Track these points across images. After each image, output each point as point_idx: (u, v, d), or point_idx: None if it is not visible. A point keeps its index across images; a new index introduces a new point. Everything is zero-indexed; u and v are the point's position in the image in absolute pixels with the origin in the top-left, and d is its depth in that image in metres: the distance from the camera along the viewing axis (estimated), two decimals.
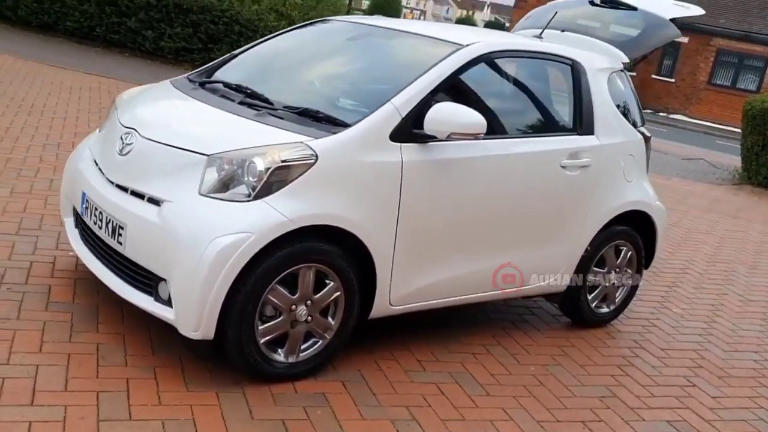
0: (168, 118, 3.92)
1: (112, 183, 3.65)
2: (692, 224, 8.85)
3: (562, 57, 4.48)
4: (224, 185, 3.34)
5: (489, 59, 4.13)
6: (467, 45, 4.01)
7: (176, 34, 14.18)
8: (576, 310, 4.80)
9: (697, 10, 5.56)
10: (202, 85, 4.22)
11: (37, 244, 4.45)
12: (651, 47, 5.27)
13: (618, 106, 4.71)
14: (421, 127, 3.65)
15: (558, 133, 4.40)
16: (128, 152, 3.63)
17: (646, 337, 4.94)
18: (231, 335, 3.32)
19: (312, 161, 3.39)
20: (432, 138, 3.66)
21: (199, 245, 3.21)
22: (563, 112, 4.50)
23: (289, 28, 4.94)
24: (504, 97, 4.33)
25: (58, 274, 4.14)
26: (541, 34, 5.10)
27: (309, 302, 3.50)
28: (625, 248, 4.83)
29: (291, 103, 3.84)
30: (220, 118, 3.74)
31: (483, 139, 3.90)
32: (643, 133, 4.87)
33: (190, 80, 4.35)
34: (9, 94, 8.41)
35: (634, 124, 4.84)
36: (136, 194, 3.52)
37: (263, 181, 3.31)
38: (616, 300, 4.95)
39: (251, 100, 3.89)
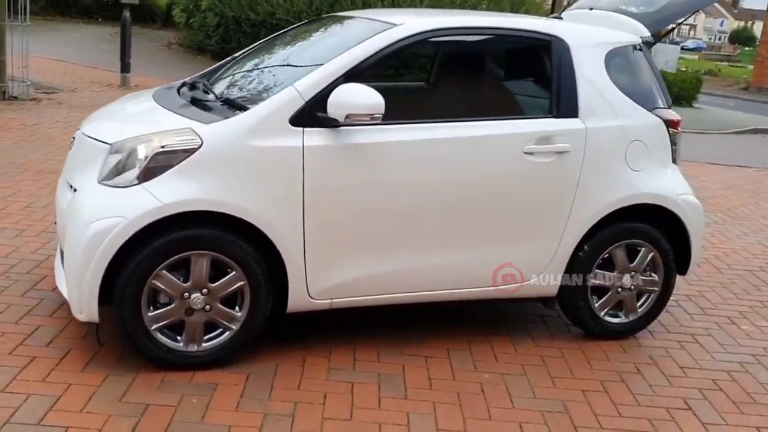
0: (111, 116, 4.10)
1: (70, 185, 3.85)
2: None
3: (538, 33, 4.02)
4: (117, 172, 3.43)
5: (428, 39, 3.84)
6: (397, 25, 3.76)
7: None
8: (576, 318, 4.25)
9: None
10: (181, 87, 4.33)
11: None
12: (681, 16, 4.58)
13: (625, 86, 4.12)
14: (326, 110, 3.48)
15: (521, 116, 3.94)
16: (71, 148, 3.87)
17: (671, 353, 4.23)
18: (118, 319, 3.39)
19: (196, 146, 3.37)
20: (334, 121, 3.47)
21: (79, 230, 3.34)
22: (534, 93, 4.04)
23: (289, 28, 4.94)
24: (448, 79, 3.98)
25: None
26: (560, 13, 4.64)
27: (205, 291, 3.46)
28: (643, 249, 4.19)
29: (232, 96, 3.86)
30: (152, 114, 3.85)
31: (408, 123, 3.65)
32: (662, 117, 4.20)
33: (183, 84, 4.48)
34: None
35: (651, 106, 4.20)
36: (72, 188, 3.72)
37: (144, 167, 3.36)
38: (638, 309, 4.30)
39: (200, 97, 3.95)
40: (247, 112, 3.51)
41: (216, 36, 15.73)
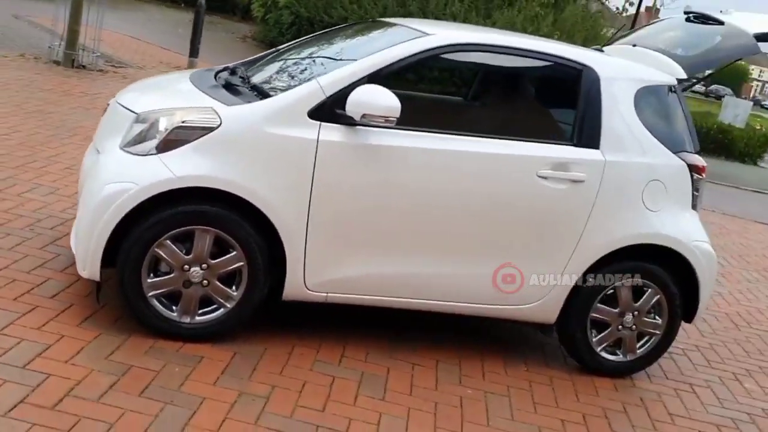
0: (145, 89, 4.25)
1: (96, 149, 3.98)
2: None
3: (570, 60, 4.03)
4: (138, 141, 3.57)
5: (457, 53, 3.88)
6: (429, 35, 3.82)
7: None
8: (573, 349, 4.23)
9: None
10: (221, 71, 4.44)
11: None
12: (721, 62, 4.53)
13: (652, 125, 4.10)
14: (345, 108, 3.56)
15: (541, 140, 3.95)
16: (103, 114, 4.03)
17: (663, 399, 4.18)
18: (118, 280, 3.51)
19: (215, 125, 3.49)
20: (350, 119, 3.54)
21: (95, 190, 3.48)
22: (558, 120, 4.04)
23: (335, 27, 5.04)
24: (475, 95, 4.01)
25: None
26: (602, 46, 4.64)
27: (205, 266, 3.56)
28: (650, 290, 4.15)
29: (262, 84, 3.97)
30: (183, 91, 3.98)
31: (426, 131, 3.71)
32: (687, 161, 4.16)
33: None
34: None
35: (677, 149, 4.17)
36: (98, 151, 3.87)
37: (163, 139, 3.49)
38: (637, 349, 4.26)
39: (234, 82, 4.07)
40: (268, 99, 3.61)
41: (289, 34, 16.01)
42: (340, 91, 3.59)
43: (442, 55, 3.82)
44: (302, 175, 3.57)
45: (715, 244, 8.07)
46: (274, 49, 4.84)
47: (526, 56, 4.03)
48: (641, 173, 4.05)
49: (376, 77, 3.66)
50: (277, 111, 3.57)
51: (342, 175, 3.62)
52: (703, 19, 4.66)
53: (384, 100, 3.48)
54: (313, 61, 4.21)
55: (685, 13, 4.80)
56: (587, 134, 3.95)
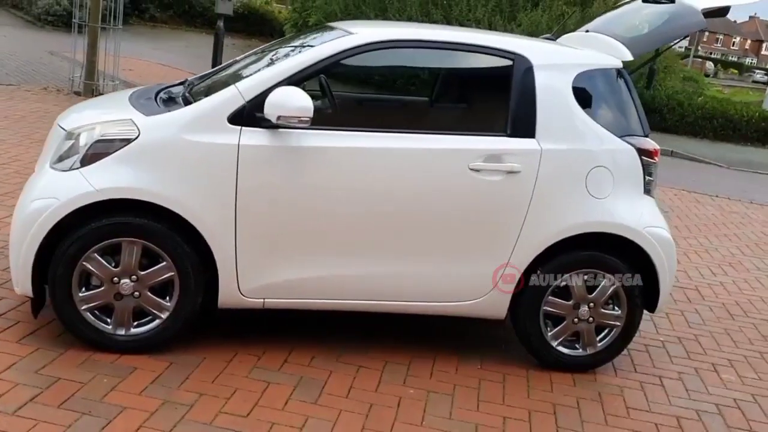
0: (84, 107, 4.32)
1: None
2: None
3: (500, 50, 3.94)
4: (64, 157, 3.63)
5: (381, 50, 3.82)
6: (353, 33, 3.80)
7: None
8: (528, 344, 4.12)
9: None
10: (174, 85, 4.49)
11: None
12: (668, 40, 4.38)
13: (594, 110, 3.98)
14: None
15: (472, 133, 3.87)
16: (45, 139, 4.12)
17: (624, 393, 4.02)
18: (51, 295, 3.57)
19: (133, 137, 3.53)
20: (267, 121, 3.54)
21: (22, 207, 3.56)
22: (490, 111, 3.95)
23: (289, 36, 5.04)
24: (398, 90, 3.96)
25: None
26: (552, 33, 4.54)
27: (134, 277, 3.60)
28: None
29: (194, 93, 4.00)
30: (113, 106, 4.05)
31: (350, 130, 3.69)
32: (636, 145, 4.02)
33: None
34: None
35: (624, 133, 4.03)
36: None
37: (84, 153, 3.55)
38: (597, 342, 4.12)
39: (173, 93, 4.12)
40: (187, 107, 3.64)
41: None
42: (259, 95, 3.59)
43: (363, 54, 3.78)
44: (225, 180, 3.57)
45: (730, 233, 7.94)
46: (231, 60, 4.87)
47: (455, 49, 3.97)
48: (582, 160, 3.92)
49: (296, 79, 3.65)
50: (197, 118, 3.59)
51: (265, 178, 3.61)
52: None
53: (297, 100, 3.47)
54: (249, 68, 4.22)
55: None
56: (521, 124, 3.86)
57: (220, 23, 12.70)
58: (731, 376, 4.42)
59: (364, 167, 3.70)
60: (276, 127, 3.56)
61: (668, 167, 12.63)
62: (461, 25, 14.94)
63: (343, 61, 3.75)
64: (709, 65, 66.23)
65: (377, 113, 3.88)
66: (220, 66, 4.76)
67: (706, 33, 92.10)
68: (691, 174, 12.36)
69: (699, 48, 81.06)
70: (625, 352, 4.43)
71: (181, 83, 4.42)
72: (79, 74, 10.77)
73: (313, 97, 3.55)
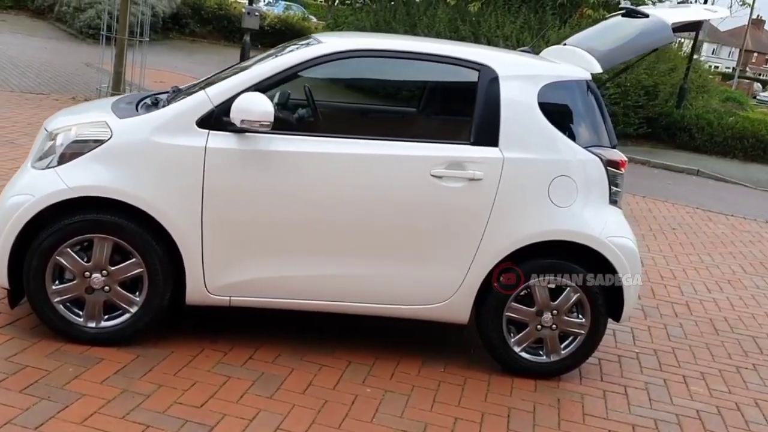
0: (70, 111, 4.51)
1: None
2: None
3: (466, 61, 4.03)
4: (43, 156, 3.83)
5: (348, 59, 3.95)
6: (321, 43, 3.94)
7: None
8: (491, 349, 4.18)
9: (721, 14, 4.48)
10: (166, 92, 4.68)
11: None
12: (636, 53, 4.43)
13: (559, 121, 4.05)
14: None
15: (435, 140, 3.97)
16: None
17: (584, 400, 4.06)
18: (26, 287, 3.76)
19: (106, 138, 3.71)
20: (232, 125, 3.69)
21: (1, 203, 3.76)
22: (455, 120, 4.04)
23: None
24: (362, 97, 4.08)
25: None
26: (530, 46, 4.62)
27: (105, 272, 3.77)
28: (568, 288, 4.07)
29: (173, 99, 4.16)
30: (95, 111, 4.24)
31: (315, 136, 3.82)
32: (601, 156, 4.08)
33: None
34: None
35: (589, 143, 4.09)
36: None
37: (60, 153, 3.74)
38: (561, 350, 4.17)
39: (156, 99, 4.31)
40: (159, 110, 3.81)
41: None
42: (227, 100, 3.75)
43: (328, 63, 3.91)
44: (192, 181, 3.73)
45: (736, 251, 7.87)
46: (220, 71, 5.04)
47: (422, 59, 4.09)
48: (545, 169, 3.99)
49: (263, 86, 3.80)
50: (167, 121, 3.76)
51: (231, 180, 3.76)
52: (633, 13, 4.58)
53: (259, 106, 3.62)
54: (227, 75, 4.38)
55: (620, 8, 4.73)
56: (485, 132, 3.95)
57: (247, 37, 13.00)
58: (700, 388, 4.43)
59: (327, 172, 3.83)
60: (240, 131, 3.71)
61: (691, 186, 12.59)
62: (489, 42, 15.03)
63: (310, 69, 3.89)
64: (757, 86, 65.08)
65: (343, 120, 4.01)
66: (211, 75, 4.92)
67: (755, 54, 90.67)
68: (714, 193, 12.25)
69: (747, 69, 79.84)
70: (595, 361, 4.49)
71: (173, 90, 4.59)
72: (107, 84, 11.10)
73: (290, 105, 3.69)
